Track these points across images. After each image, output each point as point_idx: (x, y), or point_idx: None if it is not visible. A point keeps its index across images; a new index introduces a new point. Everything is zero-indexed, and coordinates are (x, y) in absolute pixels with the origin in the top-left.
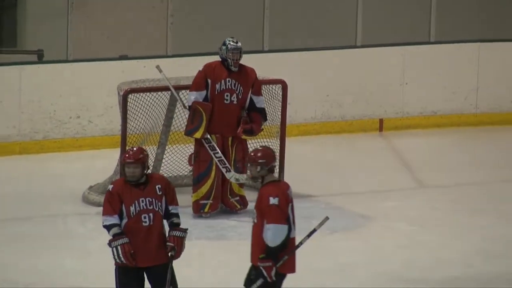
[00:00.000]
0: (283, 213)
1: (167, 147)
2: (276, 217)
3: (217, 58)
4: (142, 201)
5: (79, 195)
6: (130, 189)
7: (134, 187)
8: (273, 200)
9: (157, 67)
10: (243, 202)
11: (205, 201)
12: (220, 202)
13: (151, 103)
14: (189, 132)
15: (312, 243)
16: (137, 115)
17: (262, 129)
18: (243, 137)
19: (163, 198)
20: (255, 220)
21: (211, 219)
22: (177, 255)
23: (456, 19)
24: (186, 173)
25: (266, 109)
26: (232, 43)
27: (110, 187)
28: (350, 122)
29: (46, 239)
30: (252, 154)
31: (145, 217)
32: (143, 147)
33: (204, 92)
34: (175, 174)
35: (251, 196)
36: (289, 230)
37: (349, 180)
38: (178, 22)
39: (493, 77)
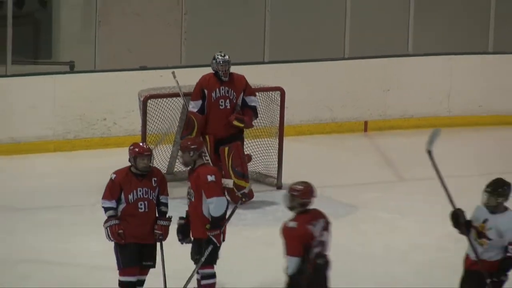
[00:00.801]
0: (220, 187)
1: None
2: (216, 191)
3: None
4: (140, 190)
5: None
6: (131, 179)
7: (135, 177)
8: (210, 178)
9: (172, 72)
10: (249, 195)
11: None
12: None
13: (167, 107)
14: (183, 137)
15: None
16: (155, 118)
17: (253, 126)
18: (235, 123)
19: (157, 189)
20: (193, 199)
21: None
22: (164, 239)
23: (430, 33)
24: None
25: (262, 110)
26: (220, 57)
27: (113, 176)
28: (339, 124)
29: (75, 225)
30: (183, 143)
31: (141, 204)
32: (160, 145)
33: (200, 102)
34: (186, 168)
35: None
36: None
37: (337, 174)
38: (190, 38)
39: (463, 85)
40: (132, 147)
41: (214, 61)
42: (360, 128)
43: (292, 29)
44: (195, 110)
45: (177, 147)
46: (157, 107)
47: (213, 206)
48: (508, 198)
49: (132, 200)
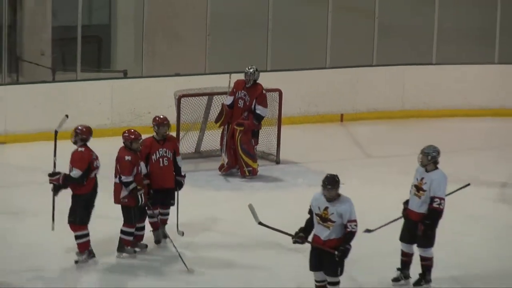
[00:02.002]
0: (133, 166)
1: (205, 132)
2: (127, 169)
3: (240, 75)
4: (160, 151)
5: None
6: (153, 143)
7: (157, 142)
8: (127, 158)
9: (230, 75)
10: (254, 172)
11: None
12: (236, 169)
13: (195, 103)
14: (215, 121)
15: (293, 194)
16: (186, 111)
17: (256, 125)
18: (235, 127)
19: (174, 150)
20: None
21: (234, 178)
22: (180, 188)
23: (390, 47)
24: (216, 148)
25: (266, 113)
26: (247, 69)
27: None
28: (322, 116)
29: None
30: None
31: (161, 161)
32: (190, 131)
33: (231, 98)
34: (210, 149)
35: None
36: None
37: (320, 153)
38: (212, 52)
39: (413, 85)
40: (155, 117)
41: (248, 73)
42: (337, 119)
43: (287, 45)
44: (227, 103)
45: (202, 133)
46: (188, 104)
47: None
48: (436, 159)
49: (155, 159)
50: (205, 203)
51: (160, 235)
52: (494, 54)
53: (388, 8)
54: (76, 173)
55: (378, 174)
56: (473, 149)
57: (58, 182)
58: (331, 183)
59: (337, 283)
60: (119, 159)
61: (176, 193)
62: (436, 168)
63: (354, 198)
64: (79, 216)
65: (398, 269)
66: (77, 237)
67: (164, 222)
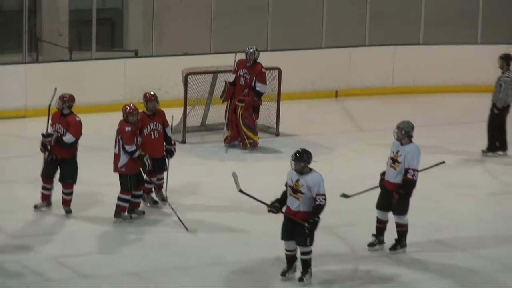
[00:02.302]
0: (133, 136)
1: (210, 107)
2: (129, 139)
3: (242, 55)
4: (151, 124)
5: None
6: (144, 118)
7: (147, 117)
8: (127, 128)
9: (235, 54)
10: (254, 144)
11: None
12: (238, 141)
13: (201, 80)
14: (220, 96)
15: (286, 164)
16: (193, 88)
17: (256, 101)
18: (237, 103)
19: (163, 123)
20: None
21: (237, 150)
22: (172, 156)
23: (381, 29)
24: (221, 121)
25: (265, 90)
26: (247, 49)
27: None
28: (318, 92)
29: None
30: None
31: (152, 134)
32: (196, 106)
33: (234, 76)
34: (215, 122)
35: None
36: None
37: (316, 126)
38: (216, 34)
39: (402, 64)
40: (144, 94)
41: (248, 52)
42: (332, 95)
43: (286, 27)
44: (230, 81)
45: (208, 108)
46: (194, 81)
47: (126, 150)
48: (409, 133)
49: (147, 133)
50: (209, 172)
51: (152, 199)
52: (477, 35)
53: None
54: (70, 138)
55: (368, 146)
56: (457, 122)
57: (50, 143)
58: (296, 157)
59: (308, 253)
60: (120, 131)
61: (167, 160)
62: (411, 141)
63: (345, 167)
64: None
65: (373, 235)
66: (44, 188)
67: (160, 186)
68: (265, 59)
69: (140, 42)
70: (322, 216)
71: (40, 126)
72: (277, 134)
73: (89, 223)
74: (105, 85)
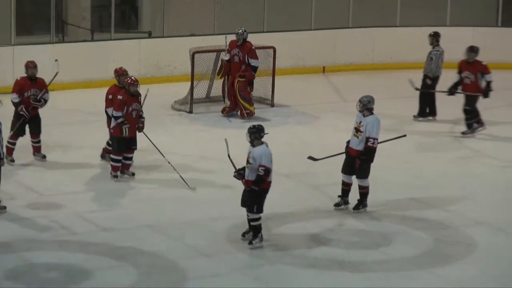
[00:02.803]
0: (123, 104)
1: (214, 81)
2: (119, 106)
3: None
4: (134, 105)
5: (168, 105)
6: (129, 97)
7: (131, 96)
8: (119, 97)
9: (226, 37)
10: (250, 114)
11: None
12: (236, 111)
13: (206, 58)
14: (217, 73)
15: (285, 131)
16: (199, 64)
17: (254, 75)
18: (238, 78)
19: (140, 102)
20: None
21: (236, 119)
22: (142, 130)
23: (363, 12)
24: (220, 95)
25: (262, 60)
26: (236, 30)
27: (120, 97)
28: (308, 68)
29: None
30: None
31: (133, 112)
32: (202, 80)
33: (228, 55)
34: (218, 94)
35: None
36: None
37: (307, 97)
38: (219, 17)
39: (381, 43)
40: (127, 80)
41: (238, 33)
42: (320, 71)
43: (280, 10)
44: (225, 58)
45: (212, 82)
46: (200, 58)
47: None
48: (367, 106)
49: (129, 110)
50: (213, 138)
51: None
52: (446, 18)
53: None
54: (48, 95)
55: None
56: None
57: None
58: (248, 131)
59: (255, 219)
60: (113, 96)
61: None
62: (371, 113)
63: (328, 133)
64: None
65: (339, 196)
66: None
67: (128, 167)
68: (262, 39)
69: (153, 24)
70: (314, 175)
71: (66, 98)
72: (272, 105)
73: (109, 184)
74: (122, 63)
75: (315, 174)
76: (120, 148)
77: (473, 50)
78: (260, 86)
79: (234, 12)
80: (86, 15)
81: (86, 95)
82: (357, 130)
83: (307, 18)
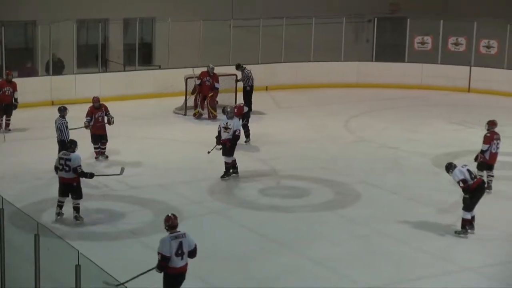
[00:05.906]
0: (91, 114)
1: (188, 97)
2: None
3: (203, 68)
4: (99, 113)
5: (171, 110)
6: (93, 109)
7: (95, 109)
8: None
9: (193, 69)
10: (214, 117)
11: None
12: (208, 115)
13: (193, 81)
14: (191, 92)
15: (270, 120)
16: (189, 85)
17: (216, 91)
18: (210, 95)
19: (106, 111)
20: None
21: (207, 120)
22: (111, 124)
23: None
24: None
25: (219, 85)
26: (209, 66)
27: (89, 107)
28: (255, 87)
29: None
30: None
31: (100, 118)
32: (191, 96)
33: (200, 80)
34: (191, 105)
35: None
36: None
37: (254, 105)
38: (202, 53)
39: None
40: (93, 98)
41: (209, 68)
42: (264, 89)
43: (241, 48)
44: (197, 83)
45: (186, 97)
46: (190, 82)
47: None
48: (229, 114)
49: (97, 117)
50: (201, 130)
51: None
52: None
53: None
54: None
55: (285, 116)
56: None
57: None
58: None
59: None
60: (91, 111)
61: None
62: (234, 117)
63: (272, 127)
64: None
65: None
66: None
67: (101, 153)
68: (228, 69)
69: (161, 60)
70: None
71: (113, 110)
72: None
73: (136, 158)
74: (143, 85)
75: (261, 155)
76: (95, 140)
77: None
78: (226, 99)
79: (213, 50)
80: (120, 55)
81: (122, 105)
82: (226, 128)
83: (256, 56)
